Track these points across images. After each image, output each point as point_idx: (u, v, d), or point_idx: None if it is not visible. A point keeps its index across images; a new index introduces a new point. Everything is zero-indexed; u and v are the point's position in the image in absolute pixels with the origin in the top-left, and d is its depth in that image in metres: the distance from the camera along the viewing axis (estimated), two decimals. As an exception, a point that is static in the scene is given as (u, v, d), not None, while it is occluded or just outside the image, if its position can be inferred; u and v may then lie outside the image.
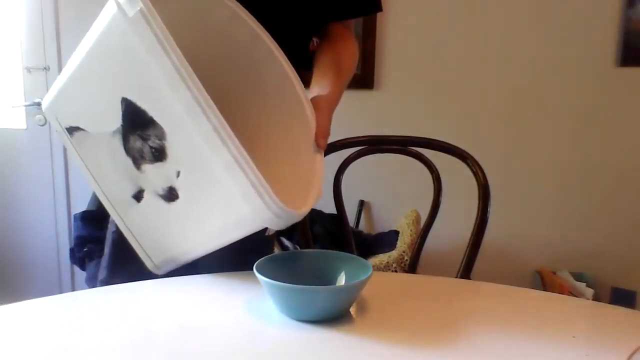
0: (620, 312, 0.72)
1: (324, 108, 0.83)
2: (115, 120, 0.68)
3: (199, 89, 0.60)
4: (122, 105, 0.67)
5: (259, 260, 0.69)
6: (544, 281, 2.14)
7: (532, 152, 2.22)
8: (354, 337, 0.61)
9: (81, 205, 2.34)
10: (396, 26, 2.24)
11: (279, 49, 0.85)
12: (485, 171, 1.09)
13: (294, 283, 0.67)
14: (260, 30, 0.84)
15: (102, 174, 0.76)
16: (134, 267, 0.99)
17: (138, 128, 0.67)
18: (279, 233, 2.03)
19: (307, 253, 0.76)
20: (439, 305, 0.72)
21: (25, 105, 2.48)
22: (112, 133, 0.70)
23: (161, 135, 0.65)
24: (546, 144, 2.20)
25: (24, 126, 2.53)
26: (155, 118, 0.64)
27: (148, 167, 0.69)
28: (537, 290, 0.80)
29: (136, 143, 0.69)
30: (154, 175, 0.69)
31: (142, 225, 0.75)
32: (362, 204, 2.32)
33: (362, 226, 2.34)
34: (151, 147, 0.67)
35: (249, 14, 0.84)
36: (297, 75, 0.85)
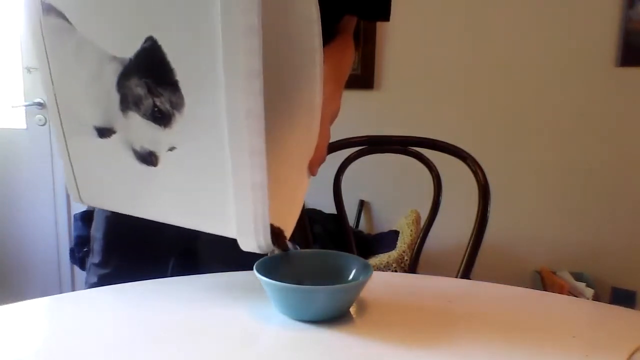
0: (620, 312, 0.72)
1: (325, 124, 0.75)
2: (124, 48, 0.53)
3: (258, 97, 0.48)
4: (145, 42, 0.52)
5: (258, 260, 0.69)
6: (544, 281, 2.14)
7: (532, 152, 2.22)
8: (354, 337, 0.61)
9: (81, 205, 2.34)
10: (396, 26, 2.24)
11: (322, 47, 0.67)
12: (485, 171, 1.09)
13: (294, 283, 0.67)
14: (316, 23, 0.63)
15: (68, 83, 0.61)
16: (129, 248, 0.96)
17: (152, 78, 0.53)
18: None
19: (307, 253, 0.76)
20: (439, 305, 0.72)
21: (25, 105, 2.48)
22: (111, 57, 0.55)
23: (177, 104, 0.52)
24: (546, 144, 2.20)
25: (24, 126, 2.53)
26: (181, 85, 0.51)
27: (136, 118, 0.56)
28: (537, 290, 0.80)
29: (137, 88, 0.55)
30: (139, 129, 0.57)
31: (88, 158, 0.65)
32: (362, 204, 2.32)
33: (362, 226, 2.34)
34: (155, 106, 0.54)
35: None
36: (322, 79, 0.70)
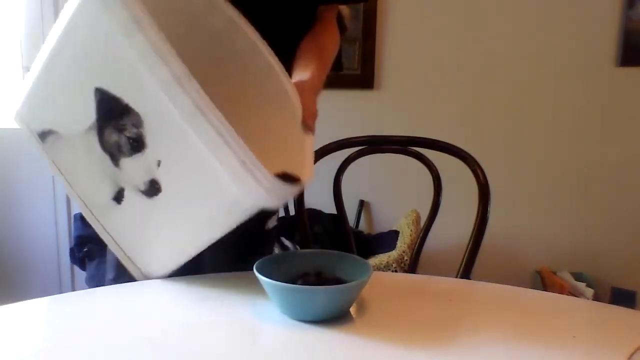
0: (620, 312, 0.72)
1: (308, 90, 0.81)
2: (89, 114, 0.65)
3: (177, 63, 0.56)
4: (95, 96, 0.63)
5: (258, 260, 0.69)
6: (544, 281, 2.14)
7: (532, 152, 2.22)
8: (354, 337, 0.61)
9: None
10: (396, 26, 2.24)
11: (261, 39, 0.81)
12: (485, 171, 1.09)
13: (294, 283, 0.67)
14: (239, 19, 0.80)
15: (79, 179, 0.72)
16: None
17: (113, 118, 0.63)
18: (279, 233, 2.03)
19: (307, 253, 0.76)
20: (439, 305, 0.72)
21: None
22: (87, 130, 0.66)
23: (138, 123, 0.61)
24: (546, 144, 2.20)
25: (24, 126, 2.53)
26: (130, 104, 0.61)
27: (126, 162, 0.65)
28: (537, 290, 0.80)
29: (112, 136, 0.65)
30: (134, 169, 0.65)
31: (124, 230, 0.72)
32: (362, 204, 2.32)
33: (362, 226, 2.34)
34: (128, 138, 0.63)
35: (226, 2, 0.80)
36: (281, 65, 0.81)
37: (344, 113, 2.25)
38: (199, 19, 0.80)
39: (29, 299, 0.70)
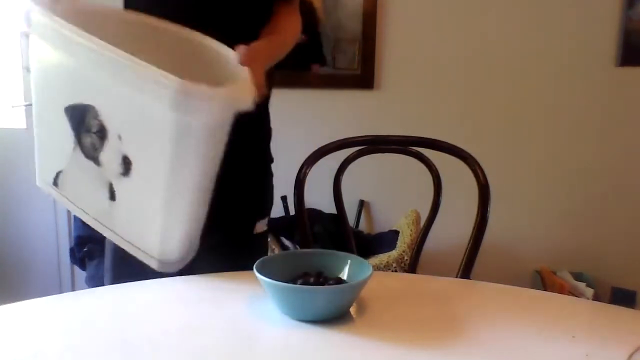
0: (620, 312, 0.72)
1: (259, 68, 0.80)
2: (70, 134, 0.74)
3: (77, 32, 0.64)
4: (67, 115, 0.73)
5: (258, 260, 0.69)
6: (544, 281, 2.14)
7: (532, 152, 2.22)
8: (354, 337, 0.61)
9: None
10: (396, 26, 2.24)
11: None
12: (485, 171, 1.09)
13: (294, 283, 0.67)
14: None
15: (84, 199, 0.78)
16: (138, 266, 0.99)
17: (82, 124, 0.72)
18: (279, 233, 2.03)
19: (307, 253, 0.76)
20: (439, 305, 0.72)
21: (25, 105, 2.48)
22: (74, 149, 0.74)
23: (95, 114, 0.70)
24: (546, 144, 2.21)
25: (24, 126, 2.53)
26: (85, 101, 0.70)
27: (104, 156, 0.71)
28: (537, 290, 0.80)
29: (87, 140, 0.72)
30: (109, 157, 0.71)
31: (130, 225, 0.74)
32: (362, 204, 2.32)
33: (362, 226, 2.34)
34: (96, 133, 0.71)
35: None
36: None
37: (344, 113, 2.25)
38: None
39: (29, 299, 0.70)
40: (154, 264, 0.74)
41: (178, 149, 0.65)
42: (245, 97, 0.70)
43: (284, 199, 2.22)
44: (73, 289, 2.63)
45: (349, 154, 1.21)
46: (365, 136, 1.21)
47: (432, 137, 1.17)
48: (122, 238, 0.76)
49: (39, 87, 0.77)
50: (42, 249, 2.60)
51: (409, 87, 2.27)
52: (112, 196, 0.73)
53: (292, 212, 2.18)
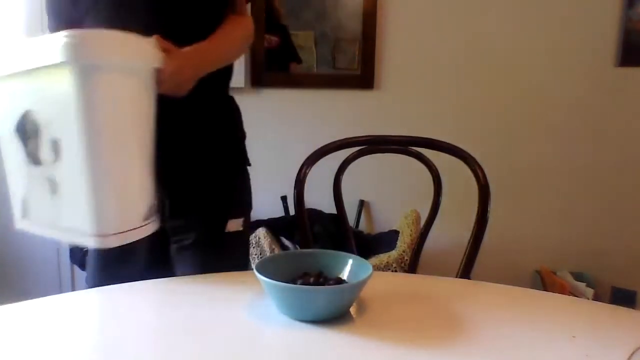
0: (620, 312, 0.72)
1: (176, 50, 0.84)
2: (22, 151, 0.77)
3: None
4: (18, 135, 0.77)
5: (259, 260, 0.69)
6: (544, 281, 2.14)
7: (532, 152, 2.22)
8: (354, 337, 0.61)
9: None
10: (396, 26, 2.24)
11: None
12: (485, 171, 1.09)
13: (294, 283, 0.67)
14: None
15: (39, 212, 0.80)
16: (121, 269, 1.01)
17: (25, 133, 0.76)
18: (279, 233, 2.03)
19: (307, 253, 0.76)
20: (439, 305, 0.72)
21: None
22: (27, 166, 0.78)
23: (31, 115, 0.74)
24: (546, 144, 2.20)
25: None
26: (22, 109, 0.74)
27: (42, 151, 0.74)
28: (537, 290, 0.80)
29: (31, 145, 0.76)
30: (45, 149, 0.74)
31: (67, 208, 0.75)
32: (362, 204, 2.32)
33: (362, 226, 2.34)
34: (34, 133, 0.74)
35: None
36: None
37: (344, 113, 2.25)
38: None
39: (29, 299, 0.70)
40: (92, 242, 0.73)
41: (88, 110, 0.68)
42: (142, 49, 0.75)
43: (284, 199, 2.22)
44: (73, 289, 2.63)
45: (349, 154, 1.21)
46: (365, 136, 1.21)
47: (432, 137, 1.17)
48: (66, 230, 0.76)
49: None
50: (42, 249, 2.60)
51: (409, 87, 2.27)
52: (54, 189, 0.75)
53: (292, 212, 2.18)
